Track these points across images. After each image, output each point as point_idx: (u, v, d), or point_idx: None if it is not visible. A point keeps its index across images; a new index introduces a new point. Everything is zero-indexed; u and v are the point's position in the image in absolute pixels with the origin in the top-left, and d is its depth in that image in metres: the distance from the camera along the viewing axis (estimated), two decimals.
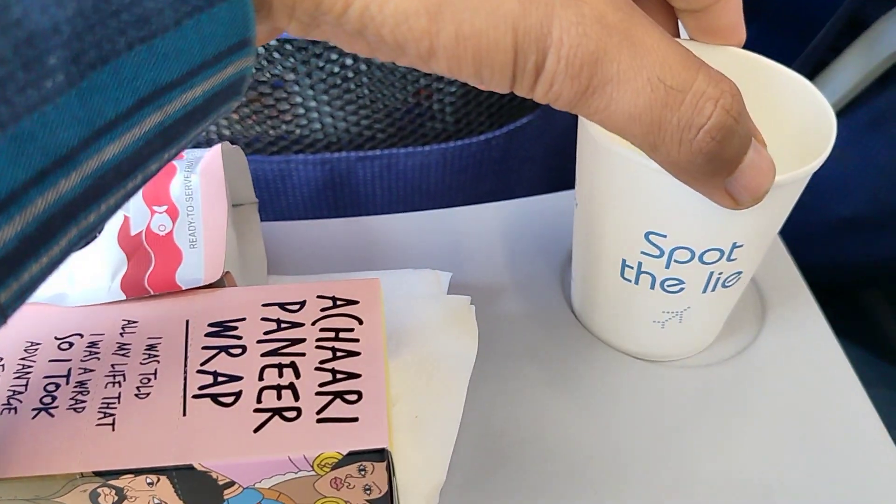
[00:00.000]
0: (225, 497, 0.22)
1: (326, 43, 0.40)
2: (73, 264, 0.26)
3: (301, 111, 0.44)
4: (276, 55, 0.41)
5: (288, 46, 0.40)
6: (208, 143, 0.46)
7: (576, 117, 0.54)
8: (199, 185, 0.27)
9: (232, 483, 0.22)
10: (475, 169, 0.50)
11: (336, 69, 0.42)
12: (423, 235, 0.35)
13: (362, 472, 0.22)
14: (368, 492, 0.22)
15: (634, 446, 0.28)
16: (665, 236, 0.26)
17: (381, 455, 0.22)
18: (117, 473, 0.21)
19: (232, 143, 0.47)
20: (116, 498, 0.22)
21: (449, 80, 0.43)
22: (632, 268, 0.27)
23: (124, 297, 0.26)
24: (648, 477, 0.27)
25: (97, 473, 0.21)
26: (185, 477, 0.21)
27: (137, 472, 0.21)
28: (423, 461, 0.26)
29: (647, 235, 0.26)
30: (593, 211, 0.28)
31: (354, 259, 0.34)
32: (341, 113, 0.44)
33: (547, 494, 0.26)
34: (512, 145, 0.49)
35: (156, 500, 0.22)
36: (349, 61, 0.42)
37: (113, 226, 0.26)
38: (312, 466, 0.22)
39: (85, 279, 0.26)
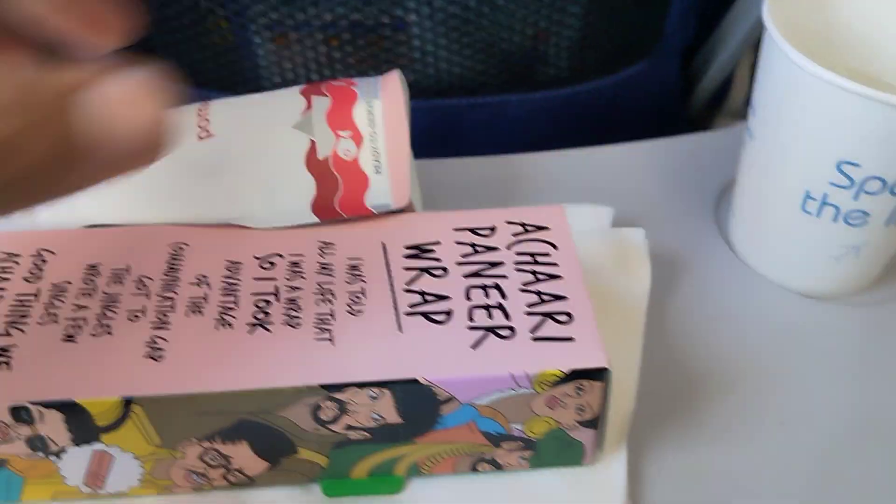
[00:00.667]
0: (441, 413, 0.22)
1: None
2: (262, 188, 0.26)
3: (417, 55, 0.44)
4: None
5: None
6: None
7: (680, 68, 0.53)
8: (382, 112, 0.27)
9: (451, 399, 0.22)
10: (583, 117, 0.50)
11: (458, 10, 0.41)
12: (565, 174, 0.35)
13: (579, 392, 0.22)
14: (581, 412, 0.22)
15: (807, 382, 0.28)
16: (859, 165, 0.26)
17: (601, 374, 0.22)
18: (342, 387, 0.21)
19: None
20: (338, 412, 0.22)
21: (567, 23, 0.43)
22: (815, 200, 0.27)
23: (317, 220, 0.26)
24: (826, 413, 0.27)
25: (323, 387, 0.21)
26: (408, 391, 0.21)
27: (362, 385, 0.21)
28: (612, 391, 0.26)
29: (839, 165, 0.26)
30: (777, 140, 0.27)
31: (501, 197, 0.34)
32: (457, 57, 0.44)
33: (732, 427, 0.26)
34: (620, 94, 0.49)
35: (374, 415, 0.22)
36: (472, 3, 0.41)
37: (300, 150, 0.26)
38: (532, 384, 0.22)
39: (274, 202, 0.26)
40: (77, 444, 0.22)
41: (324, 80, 0.29)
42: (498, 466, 0.24)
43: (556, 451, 0.23)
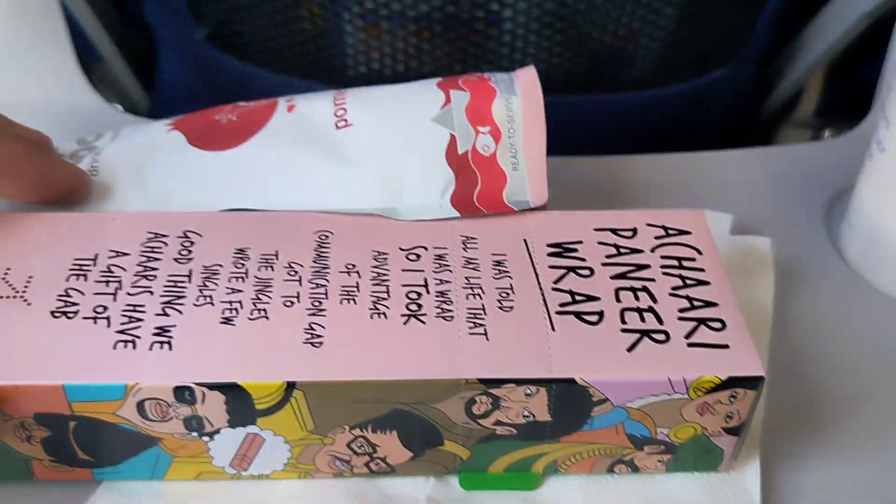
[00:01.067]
0: (592, 414, 0.22)
1: None
2: (402, 180, 0.26)
3: (506, 51, 0.43)
4: None
5: None
6: (398, 83, 0.46)
7: (759, 79, 0.53)
8: (521, 108, 0.27)
9: (604, 400, 0.22)
10: (662, 120, 0.50)
11: (554, 6, 0.41)
12: (670, 177, 0.35)
13: (732, 400, 0.22)
14: (728, 419, 0.22)
15: None
16: None
17: (755, 383, 0.22)
18: (501, 382, 0.21)
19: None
20: (490, 407, 0.22)
21: (659, 25, 0.43)
22: None
23: (456, 214, 0.26)
24: None
25: (482, 381, 0.21)
26: (563, 390, 0.21)
27: (520, 382, 0.21)
28: None
29: None
30: None
31: (606, 198, 0.34)
32: (545, 55, 0.44)
33: (860, 442, 0.26)
34: (700, 99, 0.49)
35: (525, 412, 0.22)
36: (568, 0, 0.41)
37: (440, 143, 0.26)
38: (688, 390, 0.22)
39: (414, 194, 0.26)
40: (232, 427, 0.22)
41: (458, 75, 0.29)
42: (635, 468, 0.24)
43: (696, 456, 0.23)
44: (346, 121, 0.27)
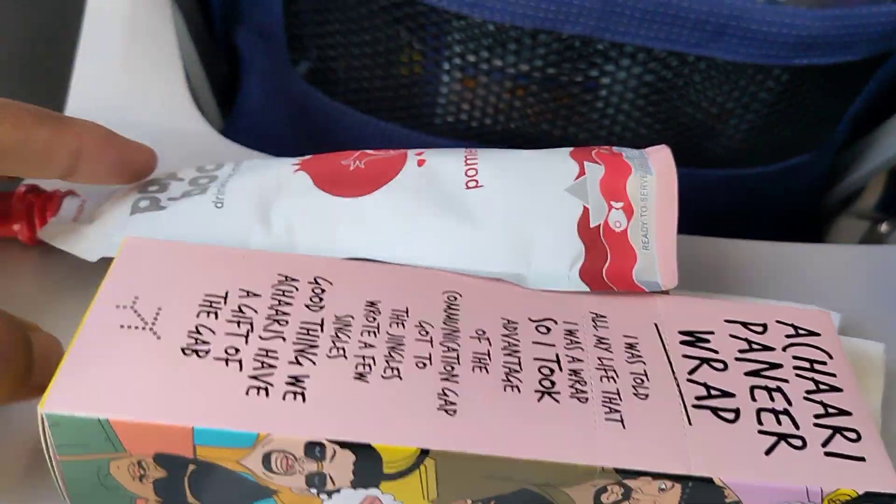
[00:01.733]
0: None
1: (654, 47, 0.39)
2: (530, 247, 0.26)
3: (596, 116, 0.44)
4: (601, 58, 0.40)
5: (613, 52, 0.40)
6: (485, 138, 0.46)
7: (831, 169, 0.53)
8: (655, 187, 0.26)
9: (737, 502, 0.21)
10: (740, 201, 0.49)
11: (653, 79, 0.41)
12: (772, 267, 0.35)
13: None
14: None
15: None
16: None
17: (892, 499, 0.21)
18: (637, 474, 0.21)
19: (513, 136, 0.47)
20: (620, 497, 0.21)
21: (752, 108, 0.43)
22: None
23: (586, 289, 0.25)
24: None
25: (618, 471, 0.21)
26: (699, 489, 0.21)
27: (657, 475, 0.21)
28: None
29: None
30: None
31: (702, 281, 0.34)
32: (634, 124, 0.44)
33: None
34: (778, 182, 0.49)
35: None
36: (669, 74, 0.41)
37: (572, 214, 0.26)
38: (822, 500, 0.21)
39: (542, 263, 0.26)
40: (354, 487, 0.21)
41: (589, 146, 0.28)
42: None
43: None
44: (476, 181, 0.27)
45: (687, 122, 0.43)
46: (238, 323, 0.23)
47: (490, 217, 0.26)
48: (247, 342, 0.22)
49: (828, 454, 0.22)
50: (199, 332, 0.22)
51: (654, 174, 0.27)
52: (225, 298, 0.23)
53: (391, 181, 0.27)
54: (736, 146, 0.45)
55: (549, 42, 0.39)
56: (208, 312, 0.23)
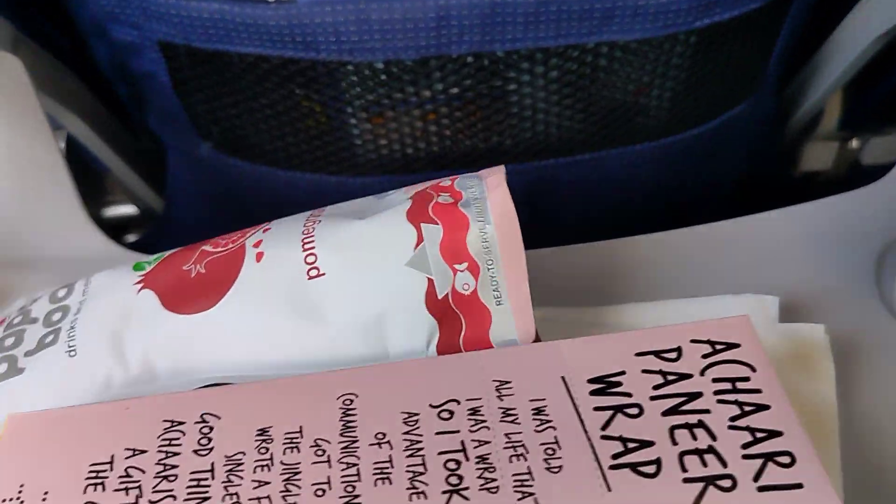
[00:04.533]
0: None
1: (548, 45, 0.38)
2: (384, 331, 0.25)
3: (514, 121, 0.42)
4: (500, 66, 0.38)
5: (509, 60, 0.38)
6: (413, 167, 0.44)
7: (778, 105, 0.51)
8: (497, 236, 0.25)
9: None
10: (683, 165, 0.48)
11: (560, 75, 0.39)
12: (696, 254, 0.33)
13: None
14: None
15: None
16: None
17: None
18: None
19: (440, 158, 0.45)
20: None
21: (670, 76, 0.41)
22: None
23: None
24: None
25: None
26: None
27: None
28: None
29: None
30: None
31: (631, 285, 0.32)
32: (556, 119, 0.42)
33: None
34: (718, 138, 0.47)
35: None
36: (574, 66, 0.39)
37: (418, 290, 0.25)
38: None
39: (399, 345, 0.25)
40: None
41: (424, 184, 0.27)
42: None
43: None
44: (317, 269, 0.26)
45: (608, 104, 0.42)
46: (126, 490, 0.21)
47: (338, 307, 0.25)
48: None
49: (761, 489, 0.20)
50: None
51: (493, 223, 0.25)
52: (111, 464, 0.22)
53: (233, 286, 0.26)
54: (665, 115, 0.43)
55: (441, 65, 0.38)
56: (95, 485, 0.22)
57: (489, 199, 0.26)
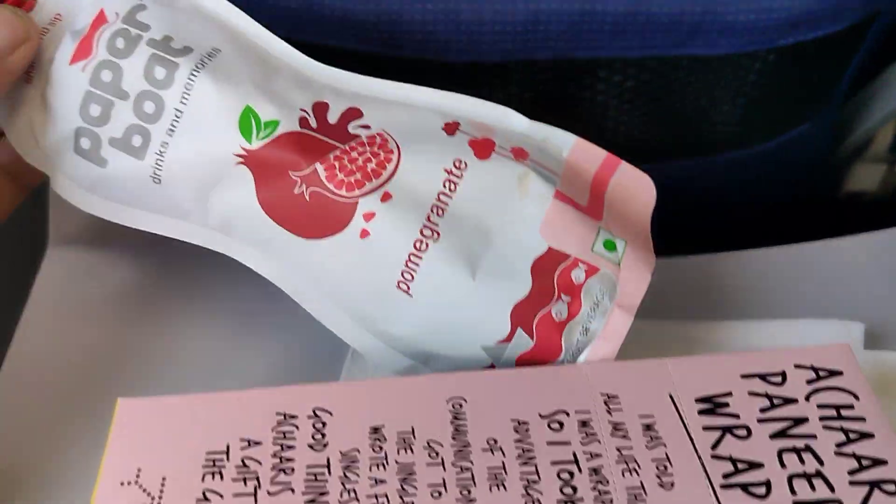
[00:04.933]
0: None
1: (630, 56, 0.38)
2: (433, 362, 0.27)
3: (582, 126, 0.42)
4: (578, 72, 0.39)
5: (589, 67, 0.38)
6: None
7: (835, 126, 0.51)
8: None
9: None
10: (742, 180, 0.48)
11: (634, 84, 0.40)
12: (780, 274, 0.33)
13: None
14: None
15: None
16: None
17: None
18: None
19: None
20: None
21: (742, 91, 0.41)
22: None
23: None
24: None
25: None
26: None
27: None
28: None
29: None
30: None
31: (713, 302, 0.32)
32: (623, 128, 0.42)
33: None
34: (781, 155, 0.47)
35: None
36: (646, 76, 0.39)
37: (477, 365, 0.26)
38: None
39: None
40: None
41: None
42: None
43: None
44: (407, 286, 0.26)
45: (677, 115, 0.42)
46: (244, 480, 0.22)
47: (406, 325, 0.26)
48: (256, 501, 0.22)
49: None
50: (206, 499, 0.22)
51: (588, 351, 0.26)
52: (227, 453, 0.23)
53: (327, 240, 0.26)
54: (732, 130, 0.44)
55: (521, 69, 0.38)
56: (213, 473, 0.22)
57: (594, 344, 0.26)
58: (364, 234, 0.25)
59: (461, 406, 0.24)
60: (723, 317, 0.31)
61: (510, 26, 0.35)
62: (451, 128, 0.27)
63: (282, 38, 0.31)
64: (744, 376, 0.24)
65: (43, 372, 0.31)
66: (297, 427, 0.23)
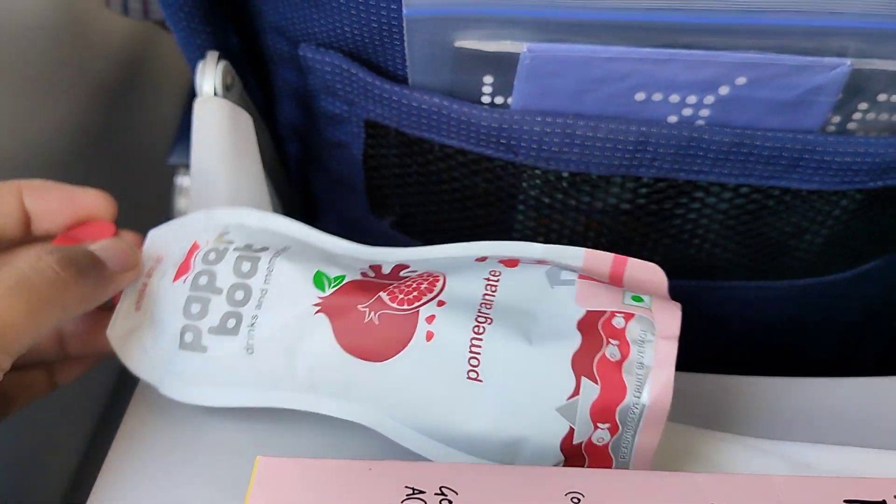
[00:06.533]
0: None
1: (728, 182, 0.40)
2: (516, 453, 0.29)
3: (668, 242, 0.44)
4: (676, 192, 0.41)
5: (687, 188, 0.40)
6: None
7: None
8: (645, 412, 0.28)
9: None
10: (811, 306, 0.50)
11: (729, 208, 0.42)
12: (862, 404, 0.35)
13: None
14: None
15: None
16: None
17: None
18: None
19: None
20: None
21: (826, 224, 0.43)
22: None
23: None
24: None
25: None
26: None
27: None
28: None
29: None
30: None
31: (769, 424, 0.34)
32: (708, 245, 0.44)
33: None
34: (854, 286, 0.49)
35: None
36: (742, 202, 0.41)
37: (558, 432, 0.28)
38: None
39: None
40: None
41: (598, 298, 0.30)
42: None
43: None
44: (477, 373, 0.29)
45: (761, 240, 0.44)
46: None
47: (484, 415, 0.29)
48: None
49: None
50: None
51: (648, 403, 0.28)
52: None
53: (400, 353, 0.29)
54: (811, 259, 0.45)
55: (623, 183, 0.40)
56: None
57: (653, 373, 0.28)
58: (429, 335, 0.29)
59: (579, 501, 0.25)
60: (801, 439, 0.33)
61: (621, 144, 0.38)
62: (482, 259, 0.32)
63: (405, 133, 0.36)
64: (847, 501, 0.25)
65: None
66: (424, 502, 0.25)
